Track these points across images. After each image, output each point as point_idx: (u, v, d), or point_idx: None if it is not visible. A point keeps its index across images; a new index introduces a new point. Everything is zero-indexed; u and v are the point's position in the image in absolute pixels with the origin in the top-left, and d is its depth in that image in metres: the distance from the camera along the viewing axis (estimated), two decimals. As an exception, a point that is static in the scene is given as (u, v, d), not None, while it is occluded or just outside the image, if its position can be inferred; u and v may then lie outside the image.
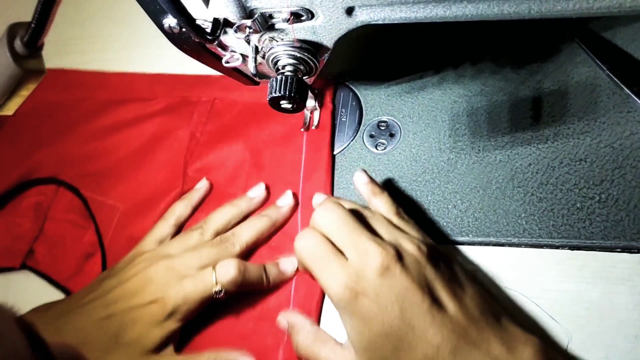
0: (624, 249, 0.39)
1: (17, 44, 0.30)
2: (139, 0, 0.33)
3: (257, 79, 0.44)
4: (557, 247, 0.41)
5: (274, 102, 0.38)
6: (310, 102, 0.49)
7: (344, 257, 0.36)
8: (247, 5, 0.34)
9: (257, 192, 0.49)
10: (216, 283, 0.41)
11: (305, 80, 0.39)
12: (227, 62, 0.40)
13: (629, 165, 0.41)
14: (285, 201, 0.47)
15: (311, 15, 0.34)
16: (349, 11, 0.34)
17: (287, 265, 0.44)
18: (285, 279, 0.44)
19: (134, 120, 0.58)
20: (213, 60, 0.41)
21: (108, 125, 0.59)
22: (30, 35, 0.30)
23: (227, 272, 0.41)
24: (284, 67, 0.38)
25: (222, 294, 0.41)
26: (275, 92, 0.37)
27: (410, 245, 0.36)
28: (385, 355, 0.34)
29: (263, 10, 0.34)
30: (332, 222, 0.37)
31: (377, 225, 0.38)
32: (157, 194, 0.53)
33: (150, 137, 0.57)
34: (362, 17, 0.34)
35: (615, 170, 0.41)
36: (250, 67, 0.38)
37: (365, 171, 0.44)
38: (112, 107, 0.59)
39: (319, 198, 0.45)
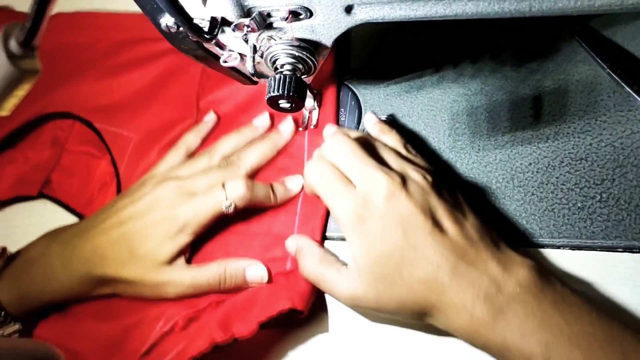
0: (626, 249, 0.39)
1: (12, 43, 0.30)
2: (135, -1, 0.33)
3: (255, 79, 0.44)
4: (558, 247, 0.41)
5: (273, 102, 0.38)
6: (309, 102, 0.49)
7: (352, 184, 0.38)
8: (245, 3, 0.34)
9: (262, 120, 0.51)
10: (226, 199, 0.43)
11: (304, 80, 0.39)
12: (225, 62, 0.39)
13: (630, 164, 0.40)
14: (286, 125, 0.50)
15: (310, 13, 0.34)
16: (348, 9, 0.34)
17: (293, 183, 0.47)
18: (291, 196, 0.47)
19: (147, 58, 0.59)
20: (211, 59, 0.40)
21: (122, 63, 0.60)
22: (26, 35, 0.29)
23: (236, 188, 0.44)
24: (282, 66, 0.38)
25: (231, 208, 0.43)
26: (273, 92, 0.37)
27: (416, 174, 0.38)
28: (387, 272, 0.35)
29: (261, 9, 0.34)
30: (341, 151, 0.39)
31: (385, 155, 0.40)
32: (170, 125, 0.56)
33: (162, 73, 0.58)
34: (361, 15, 0.34)
35: (617, 169, 0.41)
36: (249, 67, 0.38)
37: (374, 113, 0.47)
38: (126, 46, 0.61)
39: (329, 129, 0.47)
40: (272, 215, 0.47)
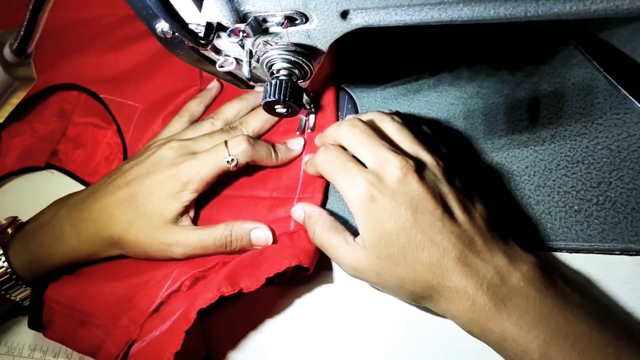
0: (622, 252, 0.39)
1: (7, 51, 0.30)
2: (131, 4, 0.33)
3: (252, 83, 0.44)
4: (555, 250, 0.41)
5: (269, 107, 0.38)
6: (306, 106, 0.49)
7: (364, 166, 0.38)
8: (241, 9, 0.34)
9: None
10: (228, 154, 0.44)
11: (300, 84, 0.39)
12: (221, 67, 0.39)
13: (626, 167, 0.40)
14: None
15: (305, 19, 0.34)
16: (344, 15, 0.33)
17: (295, 144, 0.48)
18: (293, 156, 0.48)
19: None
20: (207, 64, 0.40)
21: (126, 36, 0.61)
22: (20, 43, 0.29)
23: (238, 144, 0.44)
24: (278, 71, 0.38)
25: (233, 164, 0.44)
26: (269, 97, 0.37)
27: (430, 158, 0.38)
28: (392, 252, 0.36)
29: (257, 14, 0.34)
30: (354, 135, 0.39)
31: (398, 138, 0.40)
32: (175, 93, 0.57)
33: None
34: (357, 20, 0.34)
35: (613, 172, 0.41)
36: (245, 71, 0.38)
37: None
38: (130, 20, 0.61)
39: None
40: (275, 179, 0.48)
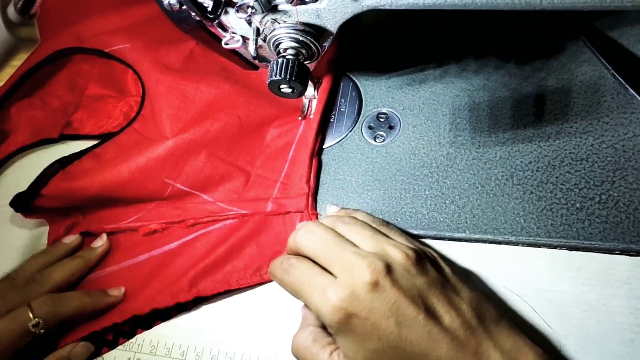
0: (623, 252, 0.39)
1: (10, 10, 0.29)
2: (138, -27, 0.32)
3: (257, 63, 0.43)
4: (555, 247, 0.40)
5: (274, 86, 0.37)
6: (310, 91, 0.48)
7: (332, 275, 0.35)
8: (251, -17, 0.33)
9: (72, 238, 0.51)
10: (33, 317, 0.41)
11: (307, 66, 0.38)
12: (227, 44, 0.39)
13: (630, 167, 0.40)
14: (99, 243, 0.50)
15: (316, -3, 0.34)
16: (355, -6, 0.33)
17: (114, 291, 0.47)
18: (111, 302, 0.46)
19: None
20: (212, 41, 0.40)
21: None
22: (24, 2, 0.28)
23: (43, 305, 0.42)
24: (285, 50, 0.37)
25: (40, 327, 0.41)
26: (275, 76, 0.36)
27: (397, 252, 0.35)
28: None
29: (267, -10, 0.33)
30: (314, 242, 0.36)
31: (359, 236, 0.37)
32: (167, 42, 0.58)
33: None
34: (369, 1, 0.33)
35: (617, 171, 0.40)
36: (251, 50, 0.37)
37: (335, 204, 0.45)
38: None
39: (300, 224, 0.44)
40: (264, 157, 0.49)
